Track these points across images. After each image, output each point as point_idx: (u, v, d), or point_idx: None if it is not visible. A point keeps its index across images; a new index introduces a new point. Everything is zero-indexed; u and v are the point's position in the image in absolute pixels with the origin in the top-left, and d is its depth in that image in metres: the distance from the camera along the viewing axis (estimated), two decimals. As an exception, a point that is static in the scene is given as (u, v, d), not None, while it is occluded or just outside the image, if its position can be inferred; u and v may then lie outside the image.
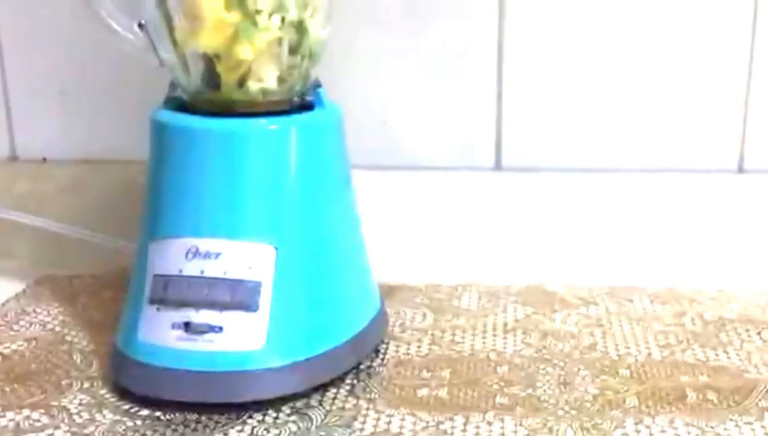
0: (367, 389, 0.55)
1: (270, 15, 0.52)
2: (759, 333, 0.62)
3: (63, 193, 0.73)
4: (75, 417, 0.52)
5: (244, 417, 0.52)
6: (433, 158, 0.72)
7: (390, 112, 0.71)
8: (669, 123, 0.70)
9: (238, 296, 0.52)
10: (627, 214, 0.70)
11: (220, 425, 0.51)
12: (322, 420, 0.51)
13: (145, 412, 0.52)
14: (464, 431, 0.50)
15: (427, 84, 0.70)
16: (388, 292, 0.67)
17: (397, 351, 0.60)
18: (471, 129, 0.71)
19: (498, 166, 0.72)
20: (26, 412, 0.52)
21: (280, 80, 0.55)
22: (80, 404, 0.53)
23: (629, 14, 0.68)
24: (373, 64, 0.70)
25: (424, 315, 0.65)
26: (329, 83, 0.58)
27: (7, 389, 0.55)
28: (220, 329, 0.52)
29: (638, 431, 0.50)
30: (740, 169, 0.71)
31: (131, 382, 0.54)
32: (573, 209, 0.70)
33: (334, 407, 0.53)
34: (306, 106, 0.56)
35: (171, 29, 0.54)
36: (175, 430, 0.51)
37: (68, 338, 0.62)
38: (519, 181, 0.71)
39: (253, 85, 0.54)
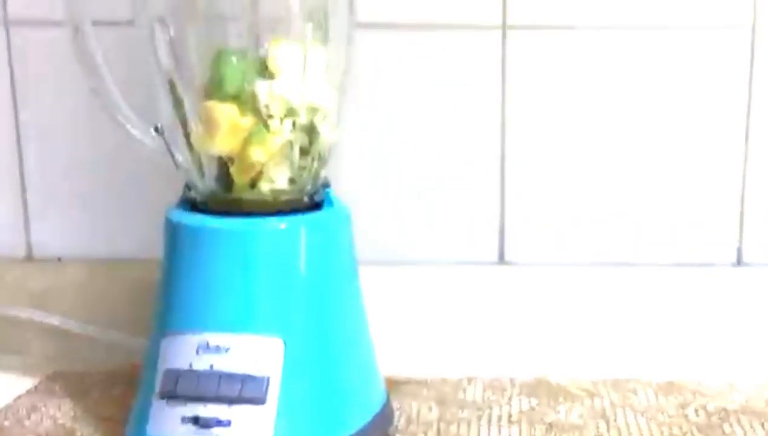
0: (375, 483, 0.55)
1: (282, 119, 0.55)
2: (762, 424, 0.62)
3: (76, 291, 0.73)
4: None
5: (254, 511, 0.52)
6: (437, 252, 0.73)
7: (396, 210, 0.73)
8: (668, 218, 0.71)
9: (247, 390, 0.53)
10: (629, 308, 0.71)
11: None
12: None
13: (155, 507, 0.52)
14: None
15: (431, 179, 0.72)
16: (393, 385, 0.67)
17: (404, 444, 0.60)
18: (474, 223, 0.73)
19: (501, 259, 0.73)
20: (38, 507, 0.53)
21: (291, 181, 0.57)
22: (91, 500, 0.54)
23: (627, 114, 0.70)
24: (380, 162, 0.72)
25: (430, 408, 0.66)
26: (337, 179, 0.60)
27: (19, 484, 0.55)
28: (229, 422, 0.52)
29: None
30: (739, 262, 0.72)
31: (141, 476, 0.54)
32: (575, 302, 0.71)
33: (342, 501, 0.53)
34: (315, 205, 0.58)
35: (187, 133, 0.56)
36: None
37: (79, 433, 0.62)
38: (522, 275, 0.72)
39: (264, 186, 0.56)
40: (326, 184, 0.59)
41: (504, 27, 0.69)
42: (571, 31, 0.69)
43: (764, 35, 0.69)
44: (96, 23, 0.56)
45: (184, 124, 0.56)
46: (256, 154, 0.55)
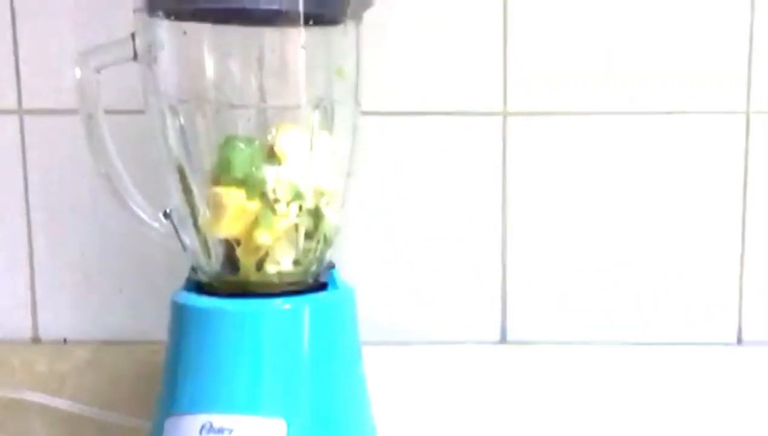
0: None
1: (288, 203, 0.56)
2: (767, 505, 0.62)
3: (81, 373, 0.74)
4: None
5: None
6: (439, 333, 0.73)
7: (399, 290, 0.73)
8: (668, 297, 0.72)
9: (249, 470, 0.53)
10: (631, 387, 0.71)
11: None
12: None
13: None
14: None
15: (434, 260, 0.73)
16: (398, 466, 0.67)
17: None
18: (476, 303, 0.73)
19: (503, 339, 0.74)
20: None
21: (296, 263, 0.58)
22: None
23: (626, 197, 0.71)
24: (384, 243, 0.73)
25: (435, 490, 0.65)
26: (343, 262, 0.61)
27: None
28: (232, 504, 0.53)
29: None
30: (739, 341, 0.72)
31: None
32: (578, 382, 0.71)
33: None
34: (320, 286, 0.59)
35: (194, 217, 0.57)
36: None
37: None
38: (524, 355, 0.72)
39: (270, 268, 0.57)
40: (331, 266, 0.60)
41: (504, 113, 0.71)
42: (569, 117, 0.71)
43: (759, 120, 0.70)
44: (108, 111, 0.58)
45: (192, 208, 0.57)
46: (263, 237, 0.56)
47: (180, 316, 0.57)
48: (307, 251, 0.58)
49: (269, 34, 0.58)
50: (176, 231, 0.58)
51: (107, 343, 0.74)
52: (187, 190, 0.57)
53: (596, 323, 0.73)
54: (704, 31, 0.70)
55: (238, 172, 0.56)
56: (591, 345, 0.72)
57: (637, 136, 0.71)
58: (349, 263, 0.63)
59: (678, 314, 0.72)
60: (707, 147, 0.71)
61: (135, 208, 0.59)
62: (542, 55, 0.70)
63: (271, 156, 0.56)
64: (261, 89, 0.59)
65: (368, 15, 0.60)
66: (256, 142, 0.57)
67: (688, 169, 0.71)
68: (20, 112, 0.73)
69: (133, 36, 0.56)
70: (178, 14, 0.56)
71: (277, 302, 0.56)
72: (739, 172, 0.71)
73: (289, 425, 0.54)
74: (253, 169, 0.56)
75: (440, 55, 0.71)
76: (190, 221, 0.58)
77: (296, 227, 0.57)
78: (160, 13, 0.56)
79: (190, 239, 0.58)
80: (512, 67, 0.71)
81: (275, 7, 0.54)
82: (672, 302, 0.72)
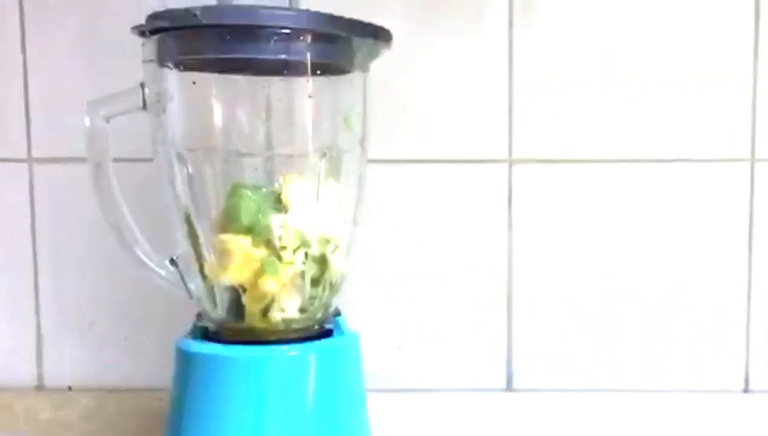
0: None
1: (294, 251, 0.56)
2: None
3: (85, 421, 0.73)
4: None
5: None
6: (445, 380, 0.73)
7: (405, 337, 0.73)
8: (674, 344, 0.72)
9: None
10: (638, 435, 0.71)
11: None
12: None
13: None
14: None
15: (440, 308, 0.73)
16: None
17: None
18: (483, 351, 0.73)
19: (509, 387, 0.73)
20: None
21: (302, 310, 0.58)
22: None
23: (632, 244, 0.72)
24: (390, 290, 0.73)
25: None
26: (348, 309, 0.61)
27: None
28: None
29: None
30: (746, 389, 0.72)
31: None
32: (584, 430, 0.71)
33: None
34: (326, 332, 0.59)
35: (201, 264, 0.58)
36: None
37: None
38: (530, 403, 0.72)
39: (275, 315, 0.57)
40: (337, 313, 0.60)
41: (510, 161, 0.72)
42: (574, 164, 0.71)
43: (763, 168, 0.71)
44: (116, 159, 0.59)
45: (199, 255, 0.58)
46: (268, 284, 0.56)
47: (185, 363, 0.57)
48: (312, 298, 0.58)
49: (277, 84, 0.59)
50: (182, 278, 0.58)
51: (111, 390, 0.74)
52: (193, 238, 0.58)
53: (603, 370, 0.72)
54: (708, 79, 0.71)
55: (245, 220, 0.56)
56: (597, 393, 0.72)
57: (641, 183, 0.71)
58: (354, 311, 0.63)
59: (685, 362, 0.72)
60: (712, 195, 0.71)
61: (141, 255, 0.59)
62: (547, 104, 0.71)
63: (278, 204, 0.57)
64: (268, 138, 0.60)
65: (375, 65, 0.61)
66: (263, 190, 0.57)
67: (693, 217, 0.71)
68: (29, 160, 0.73)
69: (142, 86, 0.57)
70: (187, 64, 0.57)
71: (283, 348, 0.56)
72: (744, 220, 0.71)
73: (293, 471, 0.54)
74: (260, 216, 0.56)
75: (446, 103, 0.71)
76: (196, 268, 0.58)
77: (302, 274, 0.57)
78: (170, 64, 0.56)
79: (196, 286, 0.58)
80: (517, 115, 0.71)
81: (283, 57, 0.55)
82: (679, 350, 0.72)
